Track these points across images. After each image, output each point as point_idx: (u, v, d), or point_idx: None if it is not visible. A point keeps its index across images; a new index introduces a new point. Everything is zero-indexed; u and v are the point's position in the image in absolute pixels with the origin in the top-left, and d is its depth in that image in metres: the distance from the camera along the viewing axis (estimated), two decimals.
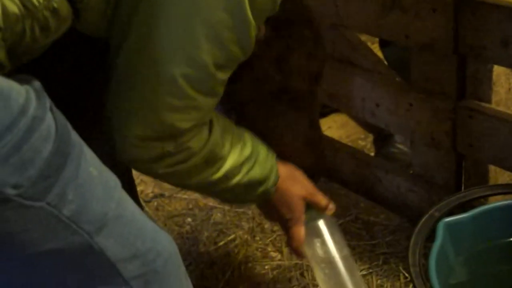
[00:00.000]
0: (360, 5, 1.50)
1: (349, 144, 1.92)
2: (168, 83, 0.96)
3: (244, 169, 1.14)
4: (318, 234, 1.26)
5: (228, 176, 1.13)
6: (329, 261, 1.25)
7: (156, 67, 0.96)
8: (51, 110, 0.82)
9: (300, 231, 1.24)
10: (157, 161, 1.03)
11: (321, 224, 1.26)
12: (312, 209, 1.26)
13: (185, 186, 1.24)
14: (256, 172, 1.16)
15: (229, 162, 1.12)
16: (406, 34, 1.43)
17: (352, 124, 2.08)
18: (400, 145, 1.87)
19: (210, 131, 1.08)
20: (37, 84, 0.83)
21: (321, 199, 1.26)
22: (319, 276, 1.27)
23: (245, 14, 0.96)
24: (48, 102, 0.83)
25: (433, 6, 1.35)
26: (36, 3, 0.86)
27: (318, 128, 1.33)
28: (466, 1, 1.30)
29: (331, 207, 1.27)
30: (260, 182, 1.18)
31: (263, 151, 1.18)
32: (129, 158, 1.04)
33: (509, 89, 1.43)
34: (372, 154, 1.95)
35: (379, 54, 1.85)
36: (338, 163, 1.78)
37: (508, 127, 1.35)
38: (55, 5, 0.88)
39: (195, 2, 0.93)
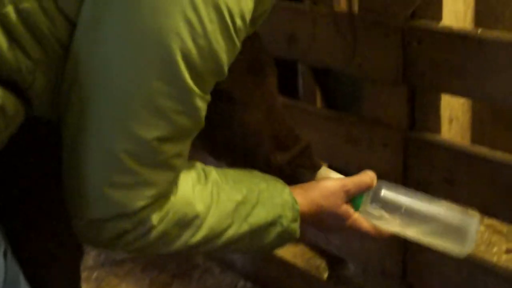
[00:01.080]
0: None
1: (302, 263, 1.91)
2: (110, 159, 0.90)
3: (239, 217, 1.04)
4: (376, 214, 1.14)
5: (216, 231, 1.03)
6: (406, 218, 1.13)
7: (96, 143, 0.90)
8: (4, 256, 0.83)
9: (361, 225, 1.14)
10: (115, 240, 0.96)
11: (369, 204, 1.15)
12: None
13: (172, 252, 1.07)
14: (260, 215, 1.06)
15: (212, 216, 1.01)
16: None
17: None
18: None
19: (175, 191, 0.98)
20: None
21: (359, 185, 1.14)
22: (412, 233, 1.14)
23: (183, 81, 0.87)
24: (3, 246, 0.82)
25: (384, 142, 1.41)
26: None
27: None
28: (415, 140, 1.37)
29: (370, 180, 1.15)
30: (270, 223, 1.07)
31: (267, 188, 1.08)
32: (86, 240, 0.97)
33: None
34: (326, 275, 1.95)
35: None
36: (288, 285, 1.79)
37: None
38: None
39: (129, 74, 0.87)
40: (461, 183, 1.30)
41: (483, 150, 1.28)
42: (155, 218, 0.96)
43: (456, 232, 1.10)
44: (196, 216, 1.00)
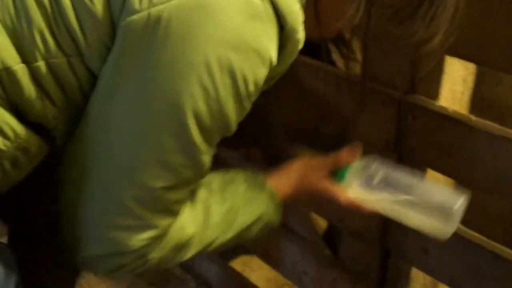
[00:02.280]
0: None
1: None
2: (116, 204, 0.95)
3: (226, 226, 1.11)
4: (359, 188, 1.16)
5: (206, 243, 1.10)
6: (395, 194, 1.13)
7: (103, 188, 0.95)
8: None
9: (340, 199, 1.19)
10: (113, 272, 1.02)
11: (354, 178, 1.17)
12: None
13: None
14: (244, 220, 1.14)
15: (203, 233, 1.08)
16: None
17: None
18: None
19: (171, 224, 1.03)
20: (8, 258, 0.92)
21: (339, 159, 1.21)
22: (396, 209, 1.13)
23: (192, 139, 0.92)
24: (14, 278, 0.92)
25: None
26: (4, 147, 0.90)
27: None
28: None
29: (352, 154, 1.22)
30: (253, 223, 1.15)
31: (247, 189, 1.16)
32: (86, 270, 1.04)
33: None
34: None
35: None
36: None
37: None
38: (24, 145, 0.92)
39: (141, 129, 0.92)
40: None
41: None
42: (153, 250, 1.01)
43: (441, 209, 1.10)
44: (190, 238, 1.06)
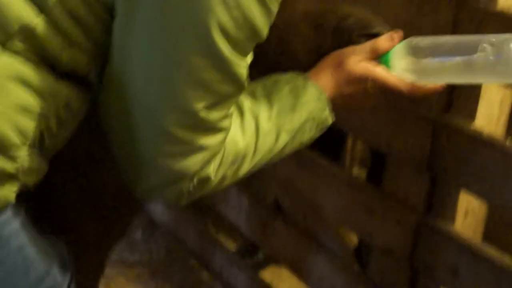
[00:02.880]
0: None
1: None
2: (161, 133, 0.93)
3: (278, 130, 1.07)
4: (411, 65, 1.08)
5: (264, 152, 1.07)
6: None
7: (144, 119, 0.93)
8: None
9: (386, 80, 1.09)
10: (177, 199, 1.01)
11: (401, 61, 1.08)
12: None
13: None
14: (294, 120, 1.09)
15: (258, 141, 1.05)
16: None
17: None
18: None
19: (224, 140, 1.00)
20: (64, 254, 0.95)
21: (377, 45, 1.11)
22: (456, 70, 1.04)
23: (221, 53, 0.88)
24: (68, 276, 0.94)
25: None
26: (45, 111, 0.90)
27: None
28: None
29: (392, 38, 1.11)
30: (305, 122, 1.10)
31: (292, 89, 1.09)
32: (149, 200, 1.02)
33: None
34: None
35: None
36: None
37: None
38: (65, 100, 0.92)
39: (168, 53, 0.89)
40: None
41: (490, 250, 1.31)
42: (212, 171, 0.99)
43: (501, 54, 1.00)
44: (246, 149, 1.04)
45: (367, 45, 1.12)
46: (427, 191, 1.38)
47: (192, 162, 0.96)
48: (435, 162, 1.33)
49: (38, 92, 0.89)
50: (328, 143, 1.66)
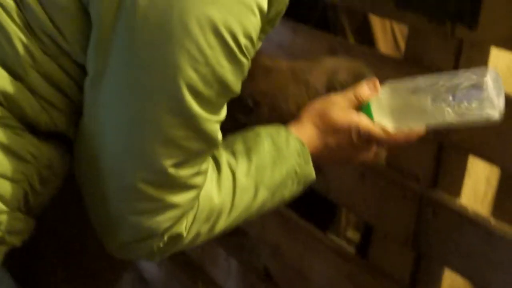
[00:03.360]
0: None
1: None
2: (130, 191, 0.91)
3: (257, 186, 1.04)
4: (386, 113, 1.08)
5: (242, 208, 1.03)
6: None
7: (112, 178, 0.91)
8: None
9: (371, 130, 1.09)
10: (150, 255, 0.98)
11: (377, 110, 1.09)
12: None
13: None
14: (275, 175, 1.05)
15: (235, 198, 1.02)
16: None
17: None
18: None
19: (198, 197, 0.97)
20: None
21: (360, 92, 1.10)
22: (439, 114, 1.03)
23: (191, 110, 0.86)
24: None
25: None
26: (26, 171, 0.90)
27: None
28: None
29: (371, 86, 1.11)
30: (286, 177, 1.07)
31: (273, 143, 1.07)
32: (122, 258, 1.00)
33: None
34: None
35: None
36: None
37: None
38: (46, 162, 0.92)
39: (131, 110, 0.88)
40: None
41: None
42: (184, 228, 0.96)
43: (476, 89, 1.00)
44: (222, 206, 1.00)
45: (350, 93, 1.11)
46: (412, 266, 1.35)
47: (163, 219, 0.93)
48: (420, 239, 1.31)
49: (18, 156, 0.89)
50: (322, 207, 1.64)
